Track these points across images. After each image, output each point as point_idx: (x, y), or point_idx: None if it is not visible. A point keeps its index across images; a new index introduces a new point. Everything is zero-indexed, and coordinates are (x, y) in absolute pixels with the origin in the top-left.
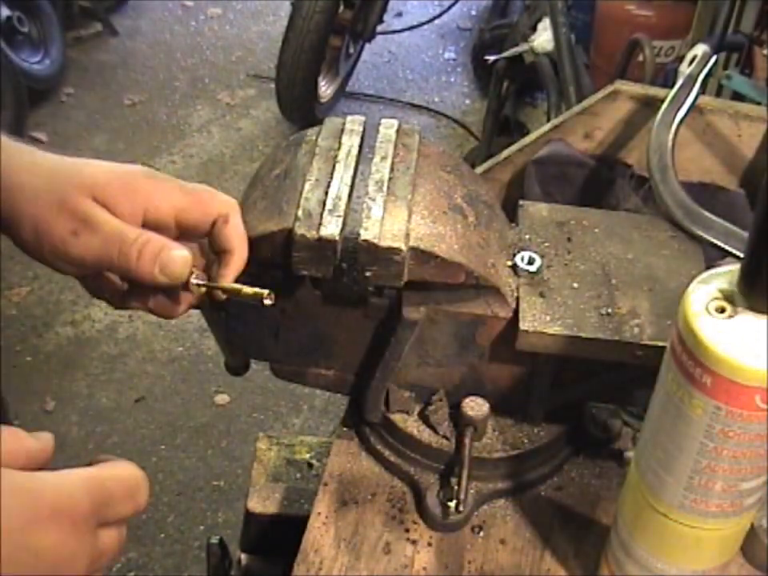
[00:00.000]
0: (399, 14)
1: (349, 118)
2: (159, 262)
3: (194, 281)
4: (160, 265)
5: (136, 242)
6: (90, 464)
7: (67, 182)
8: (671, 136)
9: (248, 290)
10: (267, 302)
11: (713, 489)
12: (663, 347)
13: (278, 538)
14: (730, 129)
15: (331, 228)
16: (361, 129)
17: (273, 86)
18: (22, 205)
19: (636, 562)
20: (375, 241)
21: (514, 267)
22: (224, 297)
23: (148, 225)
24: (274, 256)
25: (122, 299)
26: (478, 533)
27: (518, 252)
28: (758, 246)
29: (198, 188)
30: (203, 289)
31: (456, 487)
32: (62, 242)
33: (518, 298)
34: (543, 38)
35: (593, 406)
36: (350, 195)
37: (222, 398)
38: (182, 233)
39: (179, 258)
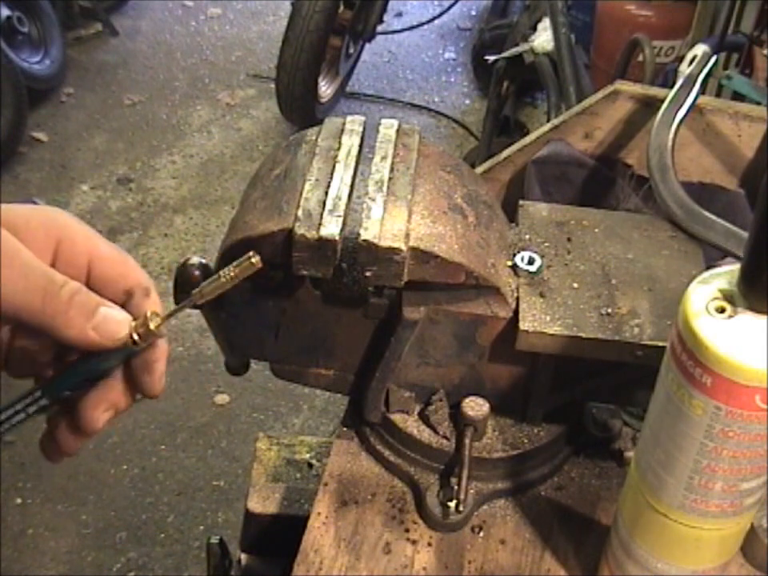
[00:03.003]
0: (399, 14)
1: (349, 118)
2: (94, 317)
3: (135, 337)
4: (95, 321)
5: (65, 287)
6: None
7: None
8: (671, 136)
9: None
10: (254, 260)
11: (713, 489)
12: (663, 347)
13: (278, 538)
14: (730, 129)
15: (331, 228)
16: (361, 129)
17: (273, 85)
18: None
19: (636, 562)
20: (375, 241)
21: (514, 267)
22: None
23: (57, 261)
24: (274, 256)
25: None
26: (478, 533)
27: (518, 252)
28: (758, 245)
29: (121, 251)
30: (157, 324)
31: (456, 487)
32: None
33: (517, 298)
34: (543, 38)
35: (593, 406)
36: (349, 195)
37: (221, 398)
38: (90, 286)
39: (119, 316)
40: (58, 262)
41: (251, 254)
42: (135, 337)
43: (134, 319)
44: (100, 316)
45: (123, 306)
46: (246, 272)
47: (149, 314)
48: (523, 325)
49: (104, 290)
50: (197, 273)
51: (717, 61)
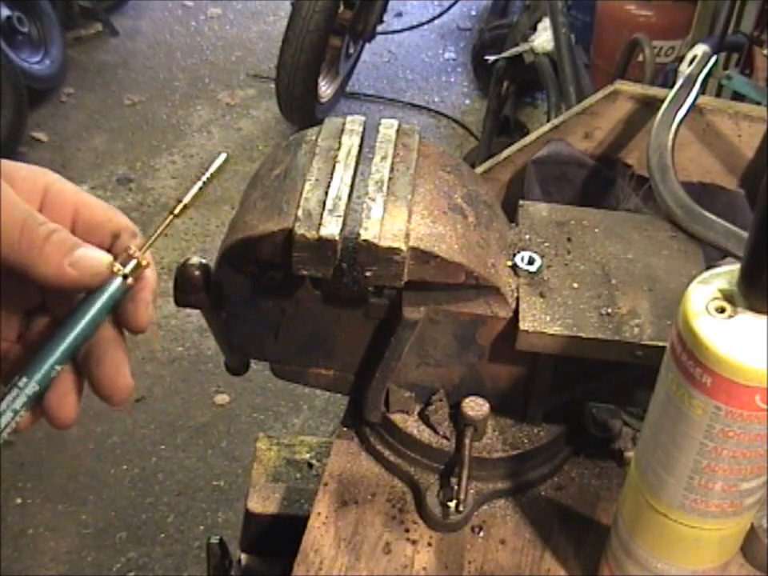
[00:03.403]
0: (399, 14)
1: (349, 117)
2: (72, 255)
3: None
4: (72, 258)
5: (45, 225)
6: None
7: None
8: (671, 136)
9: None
10: (222, 157)
11: (713, 489)
12: (663, 347)
13: (278, 538)
14: (730, 129)
15: (331, 228)
16: (361, 129)
17: (273, 85)
18: None
19: (636, 561)
20: (375, 241)
21: (514, 267)
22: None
23: (44, 208)
24: (274, 256)
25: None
26: (478, 533)
27: (518, 252)
28: (758, 245)
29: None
30: (144, 259)
31: (456, 487)
32: None
33: (517, 298)
34: (543, 38)
35: (593, 406)
36: (349, 195)
37: (221, 398)
38: (76, 233)
39: (98, 252)
40: (44, 209)
41: (221, 154)
42: (118, 267)
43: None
44: (78, 254)
45: (109, 249)
46: (221, 172)
47: (132, 249)
48: (523, 325)
49: (90, 236)
50: (197, 273)
51: (717, 61)
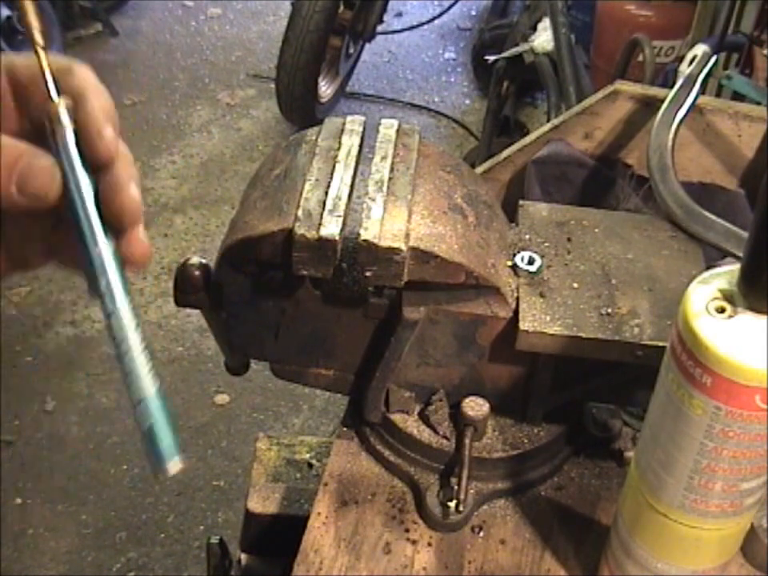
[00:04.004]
0: (399, 14)
1: (349, 118)
2: (18, 175)
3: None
4: (19, 179)
5: None
6: None
7: None
8: (671, 136)
9: None
10: None
11: (713, 489)
12: (663, 347)
13: (278, 538)
14: (730, 129)
15: (331, 228)
16: (361, 129)
17: (273, 85)
18: None
19: (636, 561)
20: (375, 241)
21: (514, 267)
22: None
23: None
24: (274, 256)
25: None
26: (478, 533)
27: (518, 252)
28: (758, 245)
29: None
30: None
31: (456, 487)
32: None
33: (517, 298)
34: (543, 38)
35: (593, 406)
36: (349, 195)
37: (221, 398)
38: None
39: (46, 167)
40: None
41: None
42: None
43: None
44: (25, 171)
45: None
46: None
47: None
48: (523, 325)
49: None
50: (197, 273)
51: (717, 61)
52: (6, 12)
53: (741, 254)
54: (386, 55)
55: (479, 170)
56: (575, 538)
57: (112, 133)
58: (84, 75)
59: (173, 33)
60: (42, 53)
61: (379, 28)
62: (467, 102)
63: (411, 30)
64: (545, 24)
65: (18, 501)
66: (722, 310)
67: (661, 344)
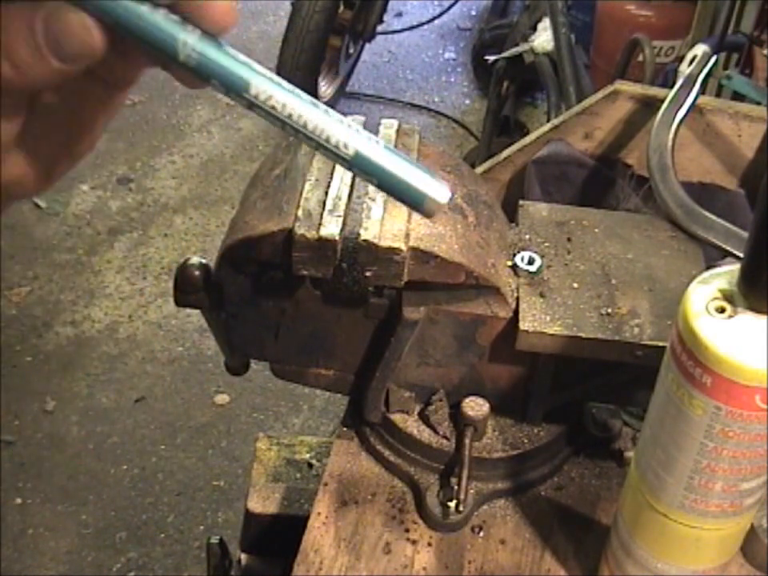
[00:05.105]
0: (399, 14)
1: (349, 117)
2: (47, 42)
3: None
4: (52, 46)
5: None
6: None
7: None
8: (671, 136)
9: None
10: None
11: (713, 489)
12: (663, 347)
13: (278, 538)
14: (730, 129)
15: (331, 228)
16: None
17: None
18: None
19: (636, 561)
20: (375, 241)
21: (514, 267)
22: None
23: None
24: (274, 256)
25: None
26: (478, 533)
27: (518, 252)
28: (758, 245)
29: None
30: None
31: (456, 487)
32: None
33: (517, 298)
34: (543, 38)
35: (593, 406)
36: (349, 195)
37: (221, 398)
38: None
39: (77, 18)
40: None
41: None
42: None
43: None
44: (54, 26)
45: None
46: None
47: None
48: (523, 325)
49: None
50: (197, 273)
51: (717, 61)
52: None
53: (741, 254)
54: (386, 55)
55: (479, 169)
56: (575, 538)
57: None
58: None
59: None
60: None
61: (379, 28)
62: (467, 101)
63: (411, 29)
64: (545, 24)
65: (18, 501)
66: (722, 310)
67: (661, 344)
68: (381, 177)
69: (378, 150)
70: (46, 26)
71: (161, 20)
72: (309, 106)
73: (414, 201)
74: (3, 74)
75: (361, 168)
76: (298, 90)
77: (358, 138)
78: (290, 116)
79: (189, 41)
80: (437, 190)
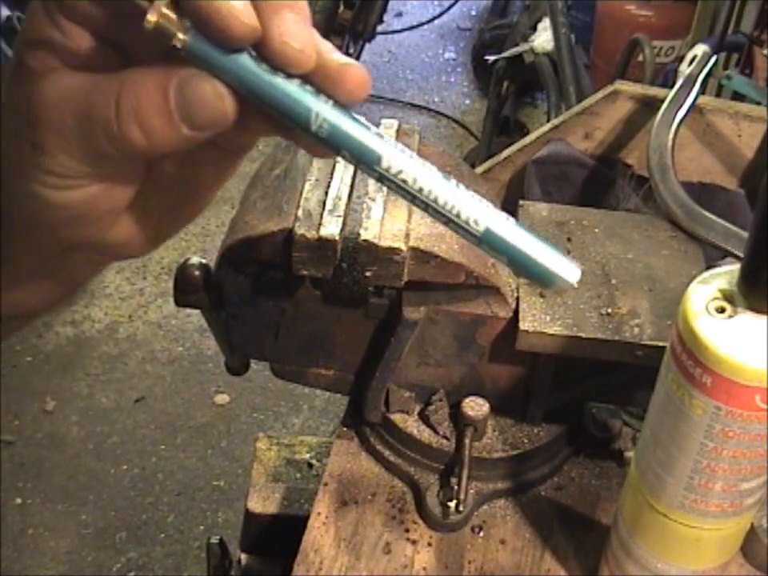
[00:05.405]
0: (399, 14)
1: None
2: (178, 110)
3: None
4: (182, 114)
5: (114, 81)
6: None
7: None
8: (671, 136)
9: None
10: None
11: (713, 489)
12: (663, 347)
13: (278, 538)
14: (730, 129)
15: (331, 228)
16: None
17: None
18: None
19: (636, 561)
20: (375, 241)
21: None
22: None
23: None
24: (274, 256)
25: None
26: (478, 533)
27: None
28: (758, 245)
29: None
30: None
31: (456, 487)
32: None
33: (517, 298)
34: (543, 38)
35: (593, 406)
36: (349, 195)
37: (221, 398)
38: None
39: (211, 87)
40: None
41: None
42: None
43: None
44: (187, 94)
45: None
46: None
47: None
48: (523, 325)
49: None
50: (197, 273)
51: (717, 61)
52: (5, 12)
53: (741, 254)
54: (386, 55)
55: (479, 169)
56: (575, 538)
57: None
58: None
59: None
60: None
61: (379, 28)
62: (467, 102)
63: (411, 29)
64: (545, 24)
65: (18, 501)
66: (722, 310)
67: (661, 344)
68: (511, 255)
69: (509, 228)
70: (180, 94)
71: (295, 90)
72: (439, 180)
73: (543, 280)
74: (132, 139)
75: (490, 245)
76: (428, 163)
77: (488, 215)
78: (420, 190)
79: (321, 112)
80: (567, 269)
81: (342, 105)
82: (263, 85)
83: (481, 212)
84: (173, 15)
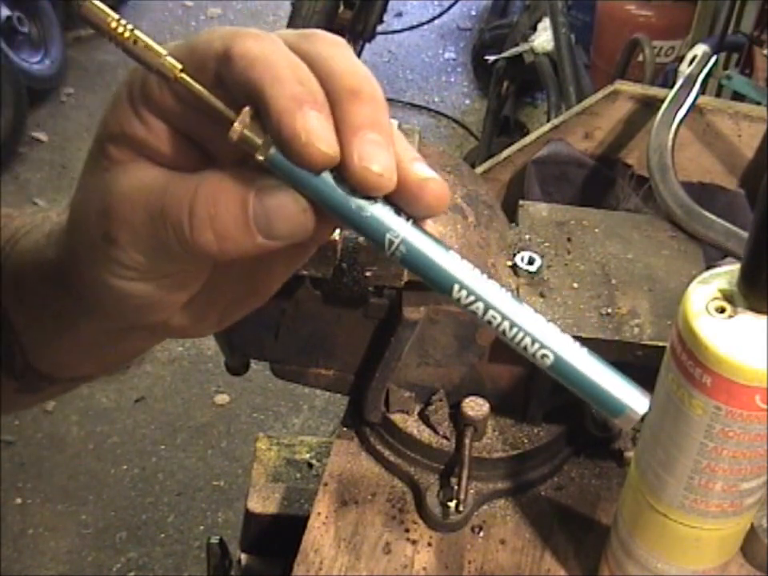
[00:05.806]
0: (399, 14)
1: None
2: (256, 224)
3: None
4: (260, 227)
5: (190, 183)
6: None
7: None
8: (671, 136)
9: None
10: None
11: (713, 489)
12: (663, 347)
13: (278, 538)
14: (730, 129)
15: None
16: None
17: None
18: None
19: (636, 561)
20: None
21: (514, 267)
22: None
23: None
24: None
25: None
26: (478, 533)
27: (518, 252)
28: (758, 245)
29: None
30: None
31: (456, 487)
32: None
33: None
34: (543, 38)
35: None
36: None
37: (221, 398)
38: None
39: (292, 200)
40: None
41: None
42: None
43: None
44: (264, 210)
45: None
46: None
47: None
48: None
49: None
50: None
51: (717, 61)
52: (5, 12)
53: (741, 254)
54: (386, 55)
55: (479, 169)
56: (575, 538)
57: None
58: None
59: (173, 33)
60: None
61: (379, 28)
62: (467, 101)
63: (411, 29)
64: (545, 24)
65: (18, 501)
66: (722, 310)
67: (661, 344)
68: (581, 385)
69: (579, 357)
70: (260, 204)
71: (370, 214)
72: (510, 308)
73: (612, 410)
74: (203, 245)
75: (560, 374)
76: (503, 290)
77: (558, 345)
78: (489, 322)
79: (398, 237)
80: (637, 400)
81: (419, 224)
82: (341, 206)
83: (551, 342)
84: (258, 127)
